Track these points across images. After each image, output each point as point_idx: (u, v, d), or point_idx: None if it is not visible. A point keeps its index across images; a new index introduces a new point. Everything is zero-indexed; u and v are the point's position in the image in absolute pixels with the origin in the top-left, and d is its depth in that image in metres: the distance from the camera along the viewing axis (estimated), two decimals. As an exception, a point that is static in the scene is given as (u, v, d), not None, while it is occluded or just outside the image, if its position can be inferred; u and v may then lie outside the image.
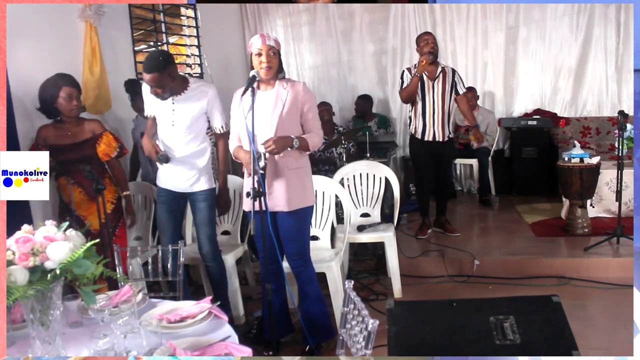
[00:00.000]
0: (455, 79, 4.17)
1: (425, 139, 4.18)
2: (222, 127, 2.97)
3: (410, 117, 4.27)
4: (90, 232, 2.49)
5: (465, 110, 4.29)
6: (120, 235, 3.10)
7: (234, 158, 2.78)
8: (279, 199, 2.63)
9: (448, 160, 4.43)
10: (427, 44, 4.04)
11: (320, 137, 2.69)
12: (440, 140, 4.17)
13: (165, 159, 2.89)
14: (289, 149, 2.56)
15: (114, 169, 3.12)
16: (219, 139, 3.00)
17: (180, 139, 2.91)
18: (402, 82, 4.17)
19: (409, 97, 4.14)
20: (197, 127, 2.92)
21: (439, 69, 4.11)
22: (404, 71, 4.20)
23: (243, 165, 2.66)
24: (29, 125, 3.04)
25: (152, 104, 2.95)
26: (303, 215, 2.71)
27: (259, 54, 2.54)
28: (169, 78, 2.76)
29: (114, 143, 3.06)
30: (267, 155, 2.54)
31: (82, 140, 2.97)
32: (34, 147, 2.95)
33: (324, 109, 5.19)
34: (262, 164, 2.50)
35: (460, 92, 4.18)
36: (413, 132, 4.25)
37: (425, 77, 4.09)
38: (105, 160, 3.06)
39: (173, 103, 2.87)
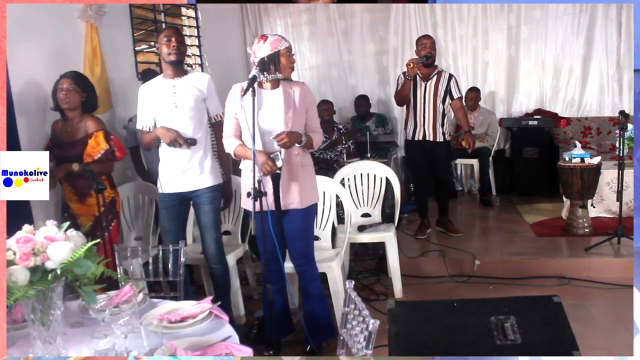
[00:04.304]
0: (451, 83, 4.18)
1: (416, 138, 4.21)
2: (217, 115, 2.95)
3: (405, 120, 4.33)
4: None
5: (459, 117, 4.35)
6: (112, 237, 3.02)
7: (234, 157, 2.74)
8: (293, 197, 2.63)
9: (443, 161, 4.39)
10: (425, 48, 4.09)
11: (321, 135, 2.75)
12: (431, 139, 4.19)
13: (193, 141, 2.84)
14: (297, 144, 2.58)
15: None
16: (218, 130, 2.86)
17: (184, 123, 2.84)
18: (398, 85, 4.24)
19: (401, 99, 4.21)
20: (199, 111, 2.88)
21: (435, 72, 4.15)
22: (399, 76, 4.24)
23: (258, 165, 2.45)
24: (29, 125, 3.04)
25: (152, 91, 2.89)
26: (310, 213, 2.74)
27: (289, 54, 2.57)
28: (184, 45, 2.90)
29: (103, 144, 2.90)
30: (282, 153, 2.53)
31: (77, 139, 2.93)
32: (50, 142, 2.99)
33: (325, 107, 5.20)
34: (279, 163, 2.50)
35: (455, 97, 4.21)
36: (406, 134, 4.30)
37: (418, 79, 4.14)
38: (87, 162, 2.85)
39: (174, 86, 2.85)
